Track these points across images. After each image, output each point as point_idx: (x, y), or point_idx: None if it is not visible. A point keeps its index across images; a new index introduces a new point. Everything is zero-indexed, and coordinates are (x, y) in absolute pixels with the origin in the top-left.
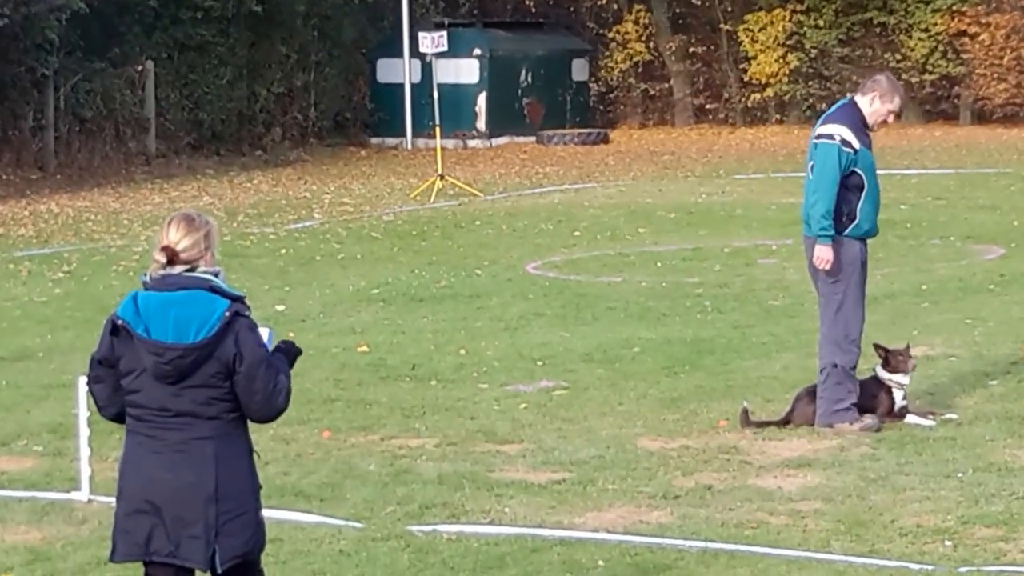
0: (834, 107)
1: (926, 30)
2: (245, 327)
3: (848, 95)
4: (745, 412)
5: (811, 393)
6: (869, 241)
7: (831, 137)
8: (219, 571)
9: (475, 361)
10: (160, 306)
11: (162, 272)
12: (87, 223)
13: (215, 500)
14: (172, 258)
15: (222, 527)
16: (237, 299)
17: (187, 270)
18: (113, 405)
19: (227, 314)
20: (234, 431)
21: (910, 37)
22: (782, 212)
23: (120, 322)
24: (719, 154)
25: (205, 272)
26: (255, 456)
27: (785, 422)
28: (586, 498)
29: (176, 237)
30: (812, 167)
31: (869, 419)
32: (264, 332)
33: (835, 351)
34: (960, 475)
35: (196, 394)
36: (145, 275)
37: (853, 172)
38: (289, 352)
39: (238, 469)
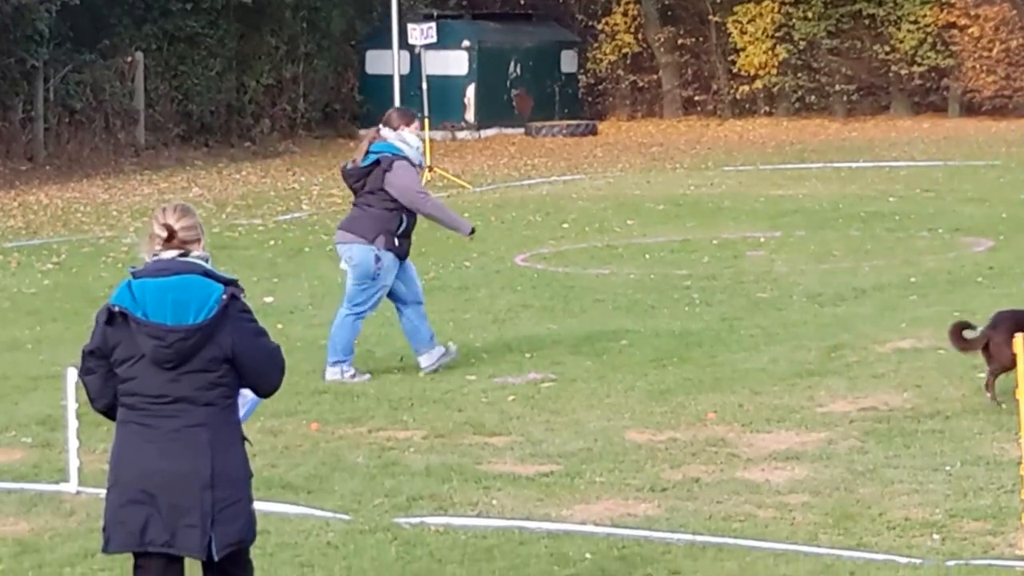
0: None
1: (915, 22)
2: (240, 310)
3: None
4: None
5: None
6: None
7: None
8: (215, 559)
9: (463, 353)
10: (156, 291)
11: (158, 251)
12: (76, 214)
13: (211, 487)
14: (171, 235)
15: (218, 514)
16: (231, 283)
17: (180, 254)
18: (105, 397)
19: (224, 297)
20: (227, 418)
21: (899, 29)
22: (770, 204)
23: (117, 309)
24: (707, 146)
25: (197, 257)
26: (246, 445)
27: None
28: (574, 491)
29: (174, 218)
30: None
31: None
32: (247, 394)
33: None
34: (948, 468)
35: (195, 379)
36: (133, 267)
37: None
38: None
39: (232, 456)
